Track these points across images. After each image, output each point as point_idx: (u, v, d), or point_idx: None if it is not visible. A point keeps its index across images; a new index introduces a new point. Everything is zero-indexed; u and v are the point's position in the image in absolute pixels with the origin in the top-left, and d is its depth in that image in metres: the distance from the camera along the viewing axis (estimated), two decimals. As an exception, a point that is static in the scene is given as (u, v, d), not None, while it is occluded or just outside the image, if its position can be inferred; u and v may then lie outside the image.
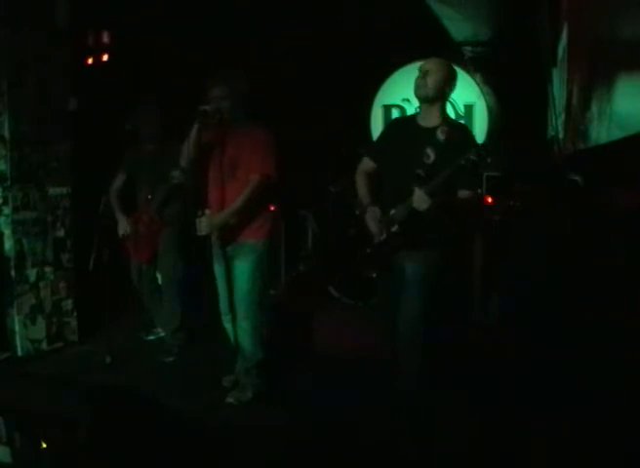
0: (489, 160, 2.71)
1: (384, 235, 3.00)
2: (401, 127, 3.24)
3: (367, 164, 3.26)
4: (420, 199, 2.80)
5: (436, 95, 3.00)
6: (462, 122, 5.31)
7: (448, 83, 3.02)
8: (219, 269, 3.49)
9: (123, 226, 4.19)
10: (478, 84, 5.35)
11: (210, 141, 3.34)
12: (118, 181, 4.26)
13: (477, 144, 2.86)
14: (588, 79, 3.66)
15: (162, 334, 4.42)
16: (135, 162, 4.22)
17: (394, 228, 2.96)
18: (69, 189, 4.38)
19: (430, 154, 2.94)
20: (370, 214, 3.06)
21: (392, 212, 2.98)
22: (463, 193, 2.91)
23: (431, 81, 2.98)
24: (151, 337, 4.51)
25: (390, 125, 3.46)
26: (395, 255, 3.02)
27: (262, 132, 3.33)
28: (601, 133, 3.20)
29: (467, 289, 4.41)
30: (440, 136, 2.96)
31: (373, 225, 3.04)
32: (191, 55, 5.47)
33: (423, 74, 3.01)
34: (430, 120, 3.04)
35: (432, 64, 3.02)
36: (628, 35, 2.57)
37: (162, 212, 4.12)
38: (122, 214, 4.22)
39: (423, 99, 3.04)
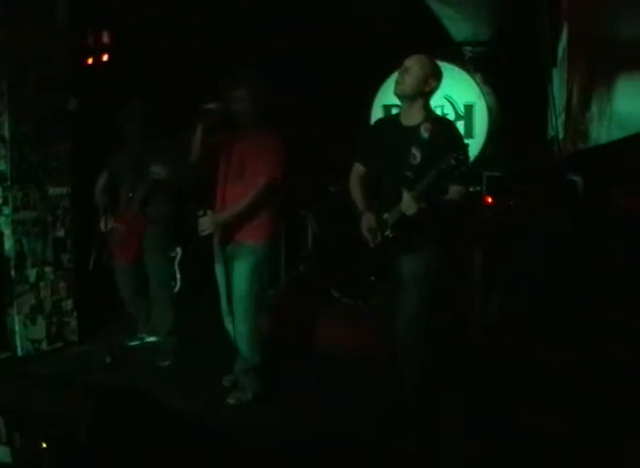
0: (469, 163, 2.70)
1: (379, 239, 2.98)
2: (385, 127, 3.19)
3: (358, 169, 3.23)
4: (407, 204, 2.78)
5: (414, 92, 2.94)
6: (461, 121, 5.34)
7: (427, 81, 2.94)
8: (219, 270, 3.49)
9: (104, 225, 4.05)
10: (478, 84, 5.35)
11: (218, 142, 3.35)
12: (102, 180, 4.16)
13: (457, 147, 2.79)
14: (588, 79, 3.66)
15: (147, 339, 4.38)
16: (117, 160, 4.16)
17: (387, 232, 2.94)
18: (69, 189, 4.37)
19: (416, 154, 2.91)
20: (364, 222, 3.04)
21: (385, 216, 2.96)
22: (453, 190, 2.88)
23: (409, 78, 2.93)
24: (135, 343, 4.39)
25: (374, 126, 3.42)
26: (392, 258, 3.01)
27: (272, 134, 3.33)
28: (601, 133, 3.20)
29: (467, 288, 4.41)
30: (424, 133, 2.92)
31: (366, 232, 3.02)
32: (191, 55, 5.47)
33: (402, 71, 2.96)
34: (413, 118, 3.00)
35: (411, 62, 2.95)
36: (628, 35, 2.57)
37: (144, 210, 4.04)
38: (107, 211, 4.07)
39: (401, 97, 2.99)
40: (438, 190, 2.82)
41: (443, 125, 3.02)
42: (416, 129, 2.95)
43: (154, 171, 3.84)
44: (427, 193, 2.77)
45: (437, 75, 2.99)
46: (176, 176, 3.87)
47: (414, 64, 2.94)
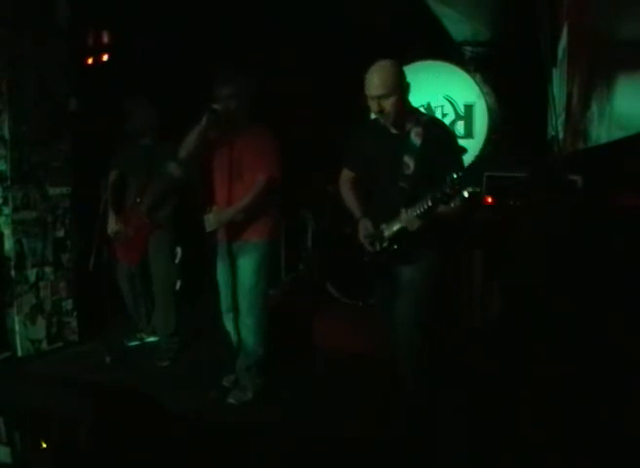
0: (465, 193, 2.54)
1: (377, 247, 2.92)
2: (370, 133, 3.00)
3: (347, 174, 3.16)
4: (409, 221, 2.71)
5: (392, 108, 2.77)
6: (461, 121, 5.34)
7: (393, 90, 2.77)
8: (222, 267, 3.51)
9: (112, 224, 4.08)
10: (478, 84, 5.36)
11: (217, 140, 3.36)
12: (112, 177, 4.16)
13: (452, 175, 2.53)
14: (588, 79, 3.65)
15: (147, 339, 4.40)
16: (126, 160, 4.14)
17: (385, 243, 2.88)
18: (69, 189, 4.38)
19: (409, 163, 2.79)
20: (361, 228, 2.97)
21: (382, 226, 2.89)
22: (449, 208, 2.68)
23: (384, 103, 2.77)
24: (135, 343, 4.41)
25: (358, 131, 3.13)
26: (390, 265, 2.97)
27: (271, 133, 3.37)
28: (601, 133, 3.20)
29: (467, 289, 4.41)
30: (415, 140, 2.80)
31: (364, 239, 2.95)
32: (191, 55, 5.47)
33: (371, 98, 2.80)
34: (400, 125, 2.85)
35: (369, 88, 2.81)
36: (628, 35, 2.57)
37: (153, 214, 4.03)
38: (113, 212, 4.10)
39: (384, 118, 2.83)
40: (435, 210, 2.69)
41: (434, 127, 2.86)
42: (406, 136, 2.83)
43: (171, 167, 3.80)
44: (429, 212, 2.66)
45: (396, 78, 2.81)
46: (186, 176, 3.84)
47: (374, 86, 2.80)
